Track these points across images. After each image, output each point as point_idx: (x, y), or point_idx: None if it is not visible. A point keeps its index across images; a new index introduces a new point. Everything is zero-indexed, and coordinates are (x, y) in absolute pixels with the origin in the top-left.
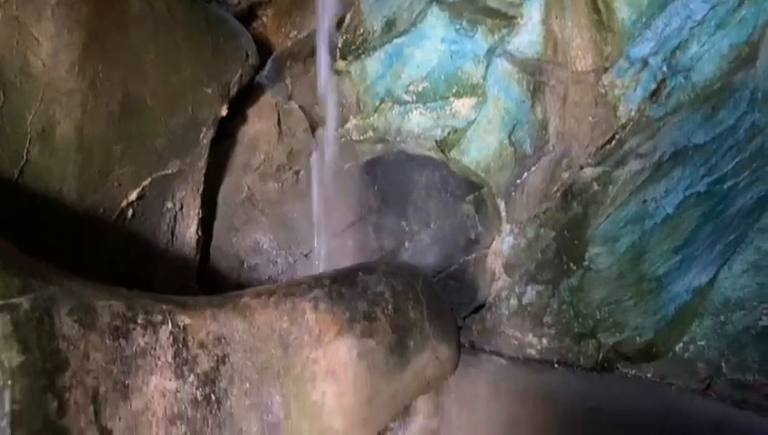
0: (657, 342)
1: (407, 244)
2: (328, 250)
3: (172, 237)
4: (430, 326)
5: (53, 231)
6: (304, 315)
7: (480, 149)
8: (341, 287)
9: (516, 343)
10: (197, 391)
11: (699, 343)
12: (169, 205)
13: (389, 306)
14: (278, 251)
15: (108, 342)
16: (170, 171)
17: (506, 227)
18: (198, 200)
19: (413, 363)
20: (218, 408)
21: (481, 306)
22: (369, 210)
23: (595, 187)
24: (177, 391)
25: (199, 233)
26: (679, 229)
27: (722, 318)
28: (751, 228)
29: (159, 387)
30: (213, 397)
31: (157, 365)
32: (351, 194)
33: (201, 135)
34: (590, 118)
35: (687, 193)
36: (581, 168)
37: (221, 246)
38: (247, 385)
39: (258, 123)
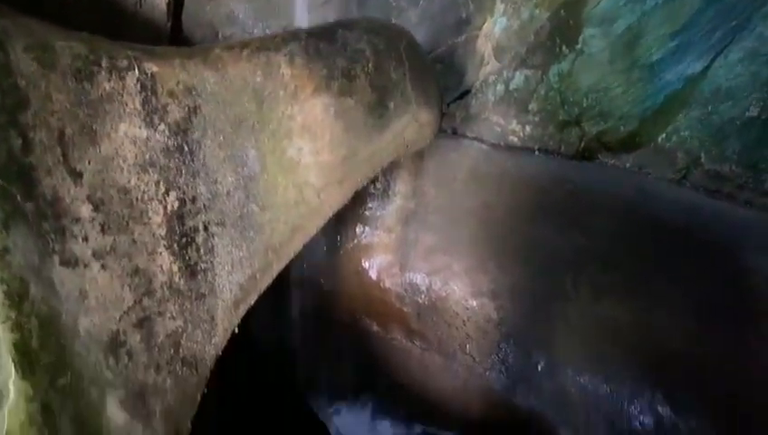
0: (641, 132)
1: (392, 21)
2: (308, 23)
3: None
4: (412, 89)
5: None
6: (279, 70)
7: None
8: (319, 42)
9: (499, 129)
10: (169, 141)
11: (682, 133)
12: None
13: (370, 65)
14: (254, 22)
15: (70, 84)
16: None
17: (500, 8)
18: None
19: (392, 125)
20: (192, 159)
21: (467, 92)
22: None
23: None
24: (148, 139)
25: None
26: (680, 12)
27: (709, 108)
28: (756, 13)
29: (129, 134)
30: (186, 148)
31: (125, 112)
32: None
33: None
34: None
35: None
36: None
37: (194, 13)
38: (221, 138)
39: None
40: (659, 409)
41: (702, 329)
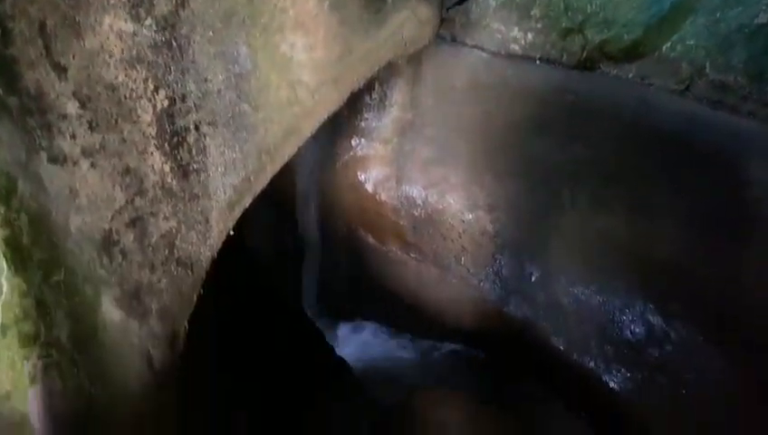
0: (645, 40)
1: None
2: None
3: None
4: None
5: None
6: None
7: None
8: None
9: (500, 37)
10: (156, 36)
11: (688, 42)
12: None
13: None
14: None
15: None
16: None
17: None
18: None
19: (390, 21)
20: (181, 55)
21: None
22: None
23: None
24: (135, 33)
25: None
26: None
27: (717, 15)
28: None
29: (114, 28)
30: (174, 43)
31: (109, 3)
32: None
33: None
34: None
35: None
36: None
37: None
38: (211, 33)
39: None
40: (651, 319)
41: (698, 241)
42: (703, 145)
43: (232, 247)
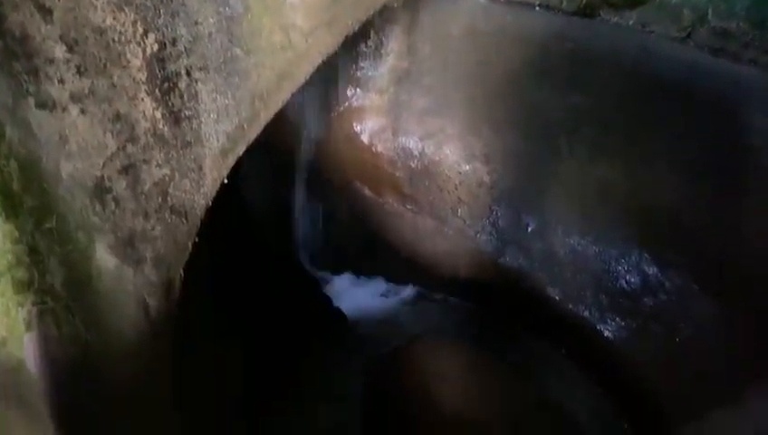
0: None
1: None
2: None
3: None
4: None
5: None
6: None
7: None
8: None
9: None
10: None
11: None
12: None
13: None
14: None
15: None
16: None
17: None
18: None
19: None
20: None
21: None
22: None
23: None
24: None
25: None
26: None
27: None
28: None
29: None
30: None
31: None
32: None
33: None
34: None
35: None
36: None
37: None
38: None
39: None
40: (647, 268)
41: (696, 190)
42: (703, 93)
43: (227, 198)
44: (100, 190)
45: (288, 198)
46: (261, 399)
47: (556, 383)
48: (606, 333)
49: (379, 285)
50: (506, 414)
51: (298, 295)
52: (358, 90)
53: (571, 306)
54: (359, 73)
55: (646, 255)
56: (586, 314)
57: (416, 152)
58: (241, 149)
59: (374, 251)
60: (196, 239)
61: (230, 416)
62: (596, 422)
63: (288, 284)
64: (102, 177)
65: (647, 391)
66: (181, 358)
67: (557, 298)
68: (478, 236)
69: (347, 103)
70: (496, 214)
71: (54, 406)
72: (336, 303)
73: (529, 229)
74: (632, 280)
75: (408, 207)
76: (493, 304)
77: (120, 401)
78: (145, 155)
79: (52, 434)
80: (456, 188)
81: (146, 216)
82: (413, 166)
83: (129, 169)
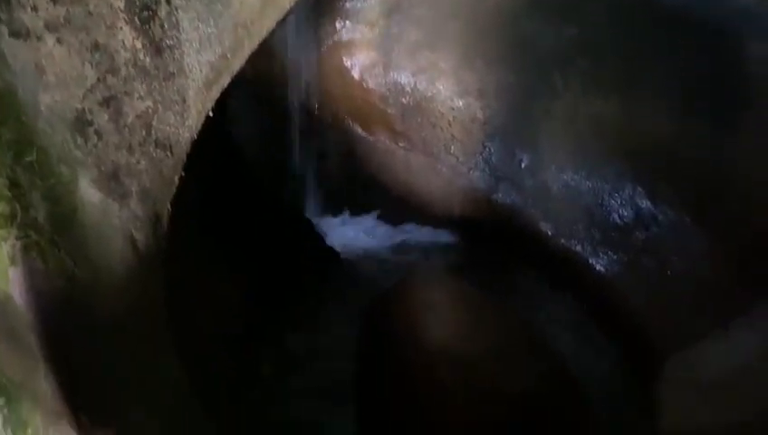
0: None
1: None
2: None
3: None
4: None
5: None
6: None
7: None
8: None
9: None
10: None
11: None
12: None
13: None
14: None
15: None
16: None
17: None
18: None
19: None
20: None
21: None
22: None
23: None
24: None
25: None
26: None
27: None
28: None
29: None
30: None
31: None
32: None
33: None
34: None
35: None
36: None
37: None
38: None
39: None
40: (639, 202)
41: (693, 122)
42: (701, 20)
43: (216, 136)
44: (81, 123)
45: (278, 137)
46: (254, 339)
47: (548, 317)
48: (598, 268)
49: (372, 223)
50: (497, 347)
51: (290, 234)
52: (347, 22)
53: (563, 241)
54: (348, 5)
55: (639, 189)
56: (578, 248)
57: (408, 88)
58: (225, 81)
59: (366, 189)
60: (183, 174)
61: (224, 355)
62: (587, 354)
63: (280, 223)
64: (83, 109)
65: (638, 323)
66: (175, 295)
67: (550, 233)
68: (471, 172)
69: (336, 37)
70: (489, 150)
71: (43, 338)
72: (329, 241)
73: (522, 165)
74: (625, 214)
75: (401, 144)
76: (486, 240)
77: (111, 335)
78: (126, 87)
79: (43, 367)
80: (449, 125)
81: (130, 149)
82: (405, 102)
83: (110, 102)
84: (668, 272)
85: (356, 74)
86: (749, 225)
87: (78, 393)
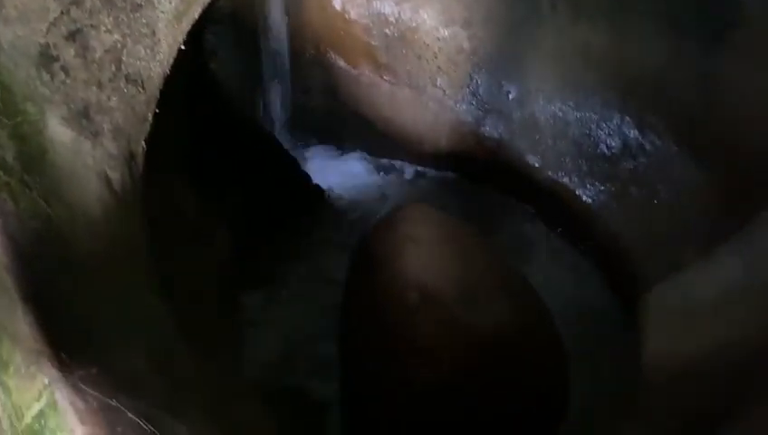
0: None
1: None
2: None
3: None
4: None
5: None
6: None
7: None
8: None
9: None
10: None
11: None
12: None
13: None
14: None
15: None
16: None
17: None
18: None
19: None
20: None
21: None
22: None
23: None
24: None
25: None
26: None
27: None
28: None
29: None
30: None
31: None
32: None
33: None
34: None
35: None
36: None
37: None
38: None
39: None
40: (627, 132)
41: (681, 49)
42: None
43: (195, 72)
44: (46, 59)
45: (258, 72)
46: (243, 278)
47: (535, 247)
48: (585, 198)
49: (357, 159)
50: (474, 282)
51: (274, 171)
52: None
53: (550, 173)
54: None
55: (627, 118)
56: (566, 180)
57: (391, 18)
58: (196, 12)
59: (350, 125)
60: (158, 111)
61: (213, 295)
62: (572, 286)
63: (263, 160)
64: (47, 44)
65: (624, 251)
66: (156, 233)
67: (537, 166)
68: (458, 105)
69: None
70: (476, 82)
71: (19, 280)
72: (314, 178)
73: (510, 97)
74: (613, 144)
75: (385, 77)
76: (473, 173)
77: (91, 275)
78: (92, 19)
79: (20, 307)
80: (435, 56)
81: (99, 85)
82: (389, 33)
83: (75, 36)
84: (655, 201)
85: (337, 5)
86: (736, 151)
87: (57, 333)
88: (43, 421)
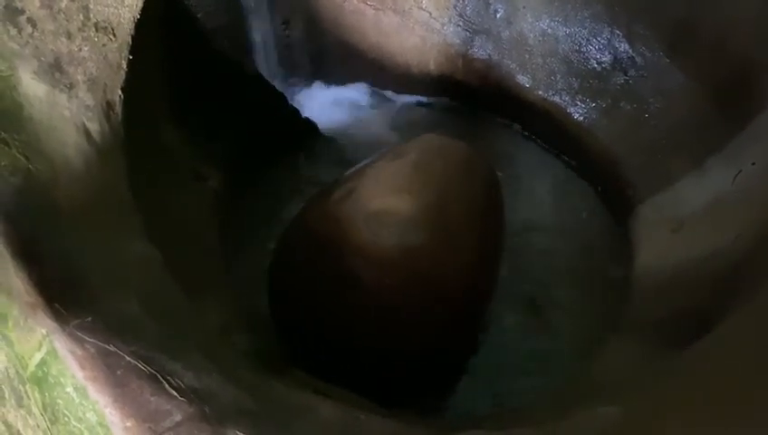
0: None
1: None
2: None
3: None
4: None
5: None
6: None
7: None
8: None
9: None
10: None
11: None
12: None
13: None
14: None
15: None
16: None
17: None
18: None
19: None
20: None
21: None
22: None
23: None
24: None
25: None
26: None
27: None
28: None
29: None
30: None
31: None
32: None
33: None
34: None
35: None
36: None
37: None
38: None
39: None
40: (617, 45)
41: None
42: None
43: (175, 14)
44: (10, 12)
45: (239, 5)
46: (234, 219)
47: (528, 166)
48: (576, 117)
49: (346, 90)
50: (476, 193)
51: (262, 108)
52: None
53: (541, 93)
54: None
55: (617, 31)
56: (556, 99)
57: None
58: None
59: (337, 55)
60: (131, 57)
61: (205, 236)
62: (566, 204)
63: (250, 96)
64: None
65: (615, 165)
66: (141, 176)
67: (527, 85)
68: (445, 28)
69: None
70: (463, 2)
71: (8, 237)
72: (304, 113)
73: (497, 16)
74: (603, 59)
75: (369, 3)
76: (463, 97)
77: (77, 226)
78: None
79: (11, 264)
80: None
81: (69, 36)
82: None
83: None
84: (646, 114)
85: None
86: (724, 57)
87: (49, 285)
88: (45, 369)
